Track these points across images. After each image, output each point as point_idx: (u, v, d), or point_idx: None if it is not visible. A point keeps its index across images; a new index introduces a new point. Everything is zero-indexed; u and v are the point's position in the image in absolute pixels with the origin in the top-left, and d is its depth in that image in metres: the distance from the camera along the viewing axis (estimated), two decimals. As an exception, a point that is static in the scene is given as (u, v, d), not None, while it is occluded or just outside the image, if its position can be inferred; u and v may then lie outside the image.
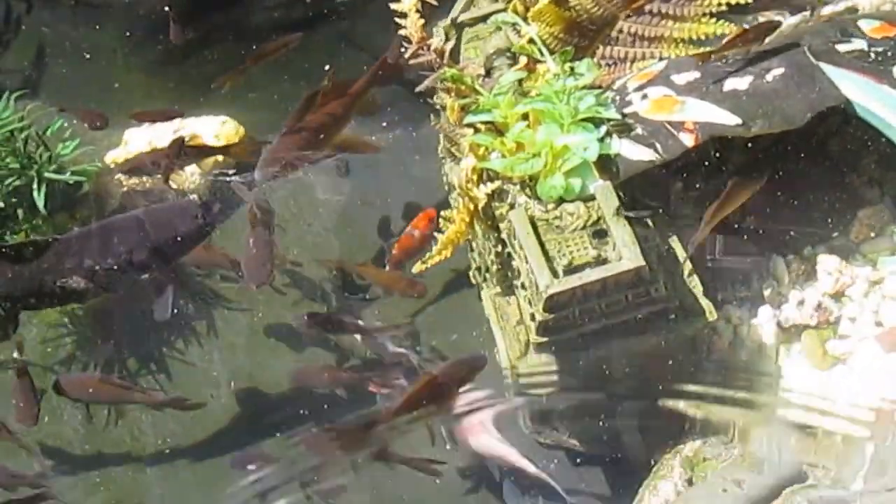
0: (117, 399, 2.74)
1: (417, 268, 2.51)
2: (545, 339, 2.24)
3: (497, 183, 2.32)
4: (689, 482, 2.27)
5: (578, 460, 2.57)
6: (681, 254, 2.35)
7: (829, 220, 2.51)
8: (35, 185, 2.83)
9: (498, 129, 2.39)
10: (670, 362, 2.34)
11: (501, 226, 2.32)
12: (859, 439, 2.28)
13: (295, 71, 3.19)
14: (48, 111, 3.11)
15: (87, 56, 3.37)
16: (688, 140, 2.31)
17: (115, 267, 2.53)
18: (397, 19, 2.48)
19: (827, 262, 2.46)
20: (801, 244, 2.51)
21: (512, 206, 2.29)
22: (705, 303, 2.30)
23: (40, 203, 2.82)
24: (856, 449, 2.26)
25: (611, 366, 2.32)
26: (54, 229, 2.92)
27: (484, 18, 2.59)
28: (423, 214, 2.82)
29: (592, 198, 2.25)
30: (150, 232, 2.55)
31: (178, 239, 2.58)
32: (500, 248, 2.36)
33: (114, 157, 3.13)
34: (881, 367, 2.35)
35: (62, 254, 2.52)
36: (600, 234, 2.20)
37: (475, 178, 2.34)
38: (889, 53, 2.37)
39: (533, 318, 2.22)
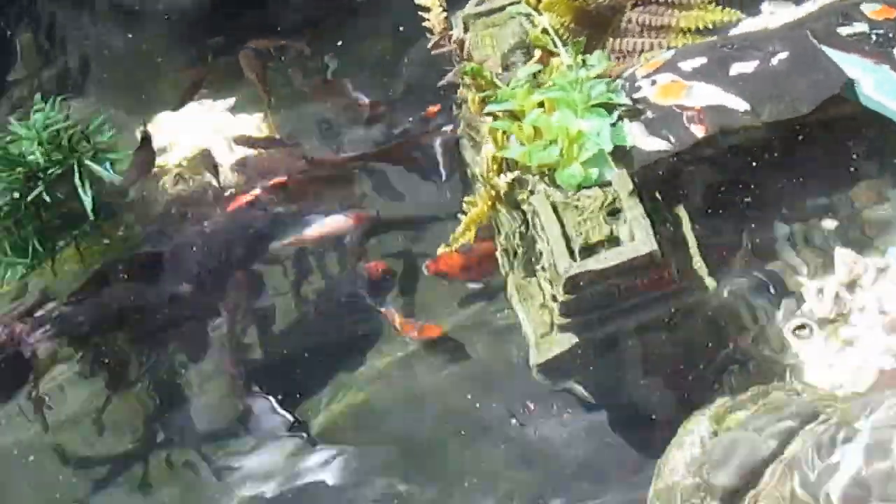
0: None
1: (441, 250, 2.43)
2: (568, 321, 2.19)
3: (516, 173, 2.27)
4: (715, 434, 2.16)
5: (595, 412, 2.47)
6: (691, 241, 2.28)
7: (832, 197, 2.46)
8: (77, 177, 2.75)
9: (515, 117, 2.34)
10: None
11: (524, 207, 2.27)
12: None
13: (314, 68, 3.20)
14: (92, 112, 3.07)
15: (124, 58, 3.33)
16: (698, 131, 2.26)
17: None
18: (421, 13, 2.45)
19: (843, 253, 2.40)
20: (814, 232, 2.45)
21: (532, 193, 2.25)
22: (709, 280, 2.24)
23: (87, 201, 2.75)
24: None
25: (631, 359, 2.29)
26: (102, 236, 2.89)
27: (499, 10, 2.54)
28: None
29: (609, 184, 2.21)
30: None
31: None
32: (524, 229, 2.31)
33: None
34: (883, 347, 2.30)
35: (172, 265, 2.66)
36: (614, 214, 2.16)
37: (495, 166, 2.29)
38: (890, 35, 2.31)
39: (555, 299, 2.17)
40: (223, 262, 2.70)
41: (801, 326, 2.37)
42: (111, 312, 2.63)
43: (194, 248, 2.70)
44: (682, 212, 2.31)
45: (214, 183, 2.96)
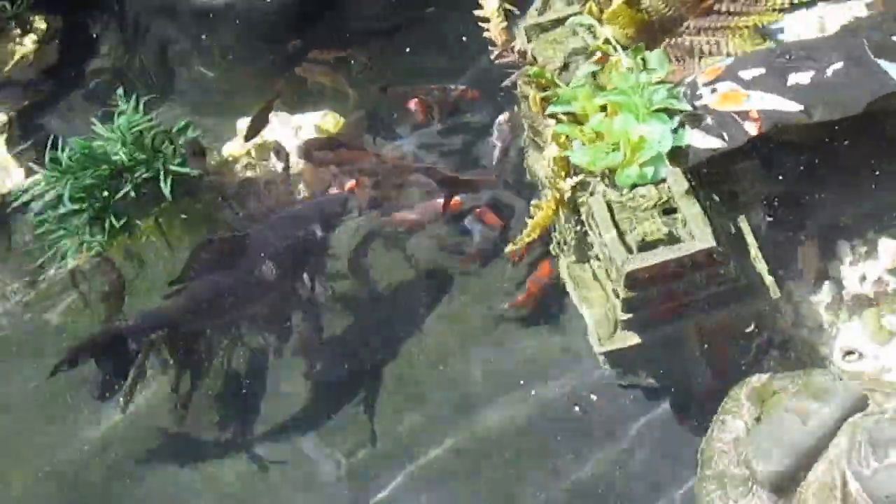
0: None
1: (510, 249, 2.52)
2: (631, 316, 2.26)
3: (581, 176, 2.35)
4: (758, 420, 2.21)
5: (652, 393, 2.57)
6: (748, 233, 2.35)
7: (886, 199, 2.48)
8: (161, 176, 2.90)
9: (577, 120, 2.41)
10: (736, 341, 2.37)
11: (582, 209, 2.35)
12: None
13: (380, 73, 3.28)
14: (175, 113, 3.20)
15: (204, 60, 3.42)
16: (752, 129, 2.31)
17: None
18: (481, 23, 2.52)
19: (888, 244, 2.44)
20: (863, 224, 2.48)
21: (592, 195, 2.32)
22: (769, 281, 2.30)
23: (167, 191, 2.90)
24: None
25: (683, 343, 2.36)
26: (179, 213, 3.01)
27: (560, 21, 2.60)
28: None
29: (663, 181, 2.28)
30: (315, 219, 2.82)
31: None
32: (578, 227, 2.40)
33: (230, 150, 3.20)
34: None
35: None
36: (670, 213, 2.23)
37: (558, 169, 2.37)
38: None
39: (617, 295, 2.25)
40: (306, 249, 2.80)
41: (850, 352, 2.40)
42: (203, 302, 2.71)
43: (274, 234, 2.79)
44: (743, 222, 2.37)
45: (282, 167, 3.08)
